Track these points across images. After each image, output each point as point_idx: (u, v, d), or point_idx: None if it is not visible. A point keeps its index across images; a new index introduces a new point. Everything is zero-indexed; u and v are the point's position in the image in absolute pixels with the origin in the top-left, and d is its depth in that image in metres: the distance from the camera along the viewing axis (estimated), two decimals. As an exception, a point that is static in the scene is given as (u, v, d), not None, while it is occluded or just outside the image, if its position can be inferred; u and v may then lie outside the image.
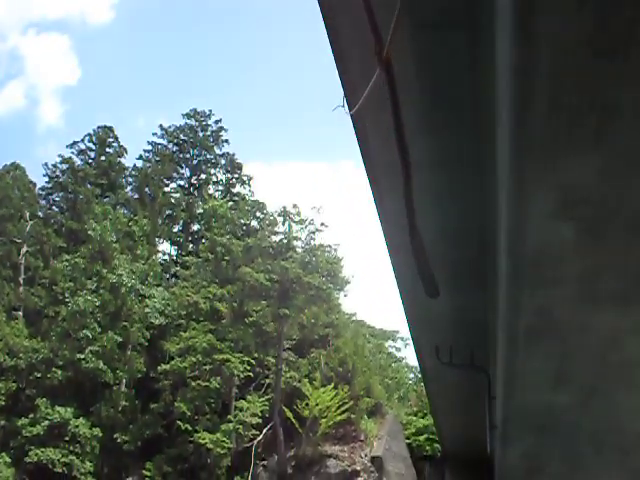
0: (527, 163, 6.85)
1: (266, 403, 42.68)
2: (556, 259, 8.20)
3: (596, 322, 9.47)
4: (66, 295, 46.12)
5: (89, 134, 60.96)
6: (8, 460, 39.45)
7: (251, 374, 43.74)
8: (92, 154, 61.13)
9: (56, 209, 60.49)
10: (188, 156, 62.57)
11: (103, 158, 61.19)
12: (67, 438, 40.19)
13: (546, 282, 8.69)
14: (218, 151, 62.77)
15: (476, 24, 7.26)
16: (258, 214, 55.61)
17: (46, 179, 59.98)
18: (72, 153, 60.16)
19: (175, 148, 62.69)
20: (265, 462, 42.07)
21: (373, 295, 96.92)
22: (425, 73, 8.04)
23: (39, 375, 43.29)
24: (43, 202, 60.26)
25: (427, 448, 41.53)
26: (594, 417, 13.20)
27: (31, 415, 41.19)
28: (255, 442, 41.09)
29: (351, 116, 8.05)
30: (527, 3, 5.26)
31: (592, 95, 5.98)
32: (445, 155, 9.47)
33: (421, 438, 42.37)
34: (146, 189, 59.09)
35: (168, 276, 55.45)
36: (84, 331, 42.99)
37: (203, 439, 40.05)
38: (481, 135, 8.74)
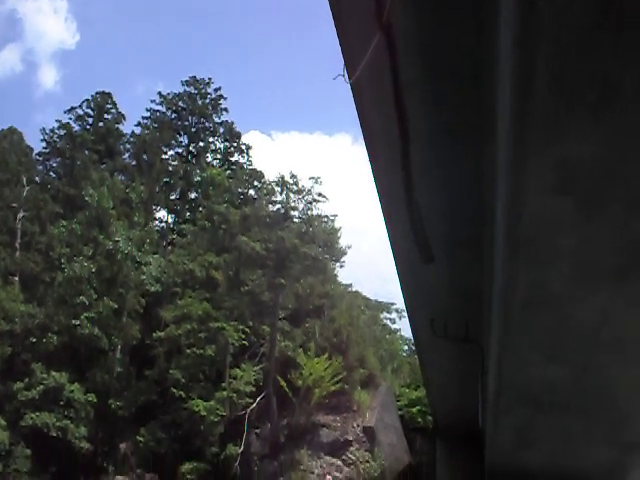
0: (527, 137, 6.80)
1: (260, 372, 42.83)
2: (553, 233, 8.18)
3: (591, 297, 9.48)
4: (62, 261, 46.03)
5: (87, 100, 60.50)
6: (3, 423, 39.65)
7: (246, 343, 43.79)
8: (90, 120, 60.70)
9: (53, 175, 60.19)
10: (187, 124, 62.10)
11: (101, 124, 60.81)
12: (62, 403, 40.35)
13: (542, 256, 8.69)
14: (217, 119, 62.30)
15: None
16: (256, 183, 55.37)
17: (43, 144, 59.71)
18: (70, 119, 59.78)
19: (174, 115, 62.16)
20: (258, 430, 42.32)
21: (370, 266, 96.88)
22: (426, 41, 7.96)
23: (34, 340, 43.34)
24: (40, 167, 59.94)
25: (419, 420, 41.76)
26: (586, 392, 13.27)
27: (26, 379, 41.30)
28: (248, 410, 41.25)
29: (351, 85, 8.00)
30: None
31: (593, 70, 5.92)
32: (445, 127, 9.42)
33: (414, 410, 42.60)
34: (144, 156, 58.65)
35: (165, 243, 55.30)
36: (80, 297, 42.95)
37: (197, 406, 40.22)
38: (482, 108, 8.68)
